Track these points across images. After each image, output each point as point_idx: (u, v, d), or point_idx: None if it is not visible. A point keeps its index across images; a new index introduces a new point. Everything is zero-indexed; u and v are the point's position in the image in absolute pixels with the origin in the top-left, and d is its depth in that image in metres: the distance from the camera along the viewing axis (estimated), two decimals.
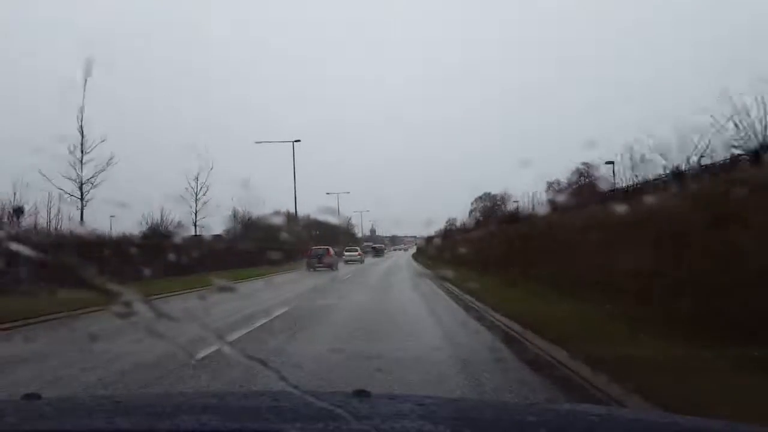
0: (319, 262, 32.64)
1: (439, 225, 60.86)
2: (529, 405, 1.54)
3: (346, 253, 45.97)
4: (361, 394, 1.48)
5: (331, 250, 35.60)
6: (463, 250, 27.52)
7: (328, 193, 58.96)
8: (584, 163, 34.08)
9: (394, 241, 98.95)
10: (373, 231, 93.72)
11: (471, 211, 61.04)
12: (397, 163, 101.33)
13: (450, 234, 48.39)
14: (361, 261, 45.51)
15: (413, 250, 73.09)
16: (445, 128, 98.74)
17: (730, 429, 1.25)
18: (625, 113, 48.35)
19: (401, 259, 53.76)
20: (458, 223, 57.47)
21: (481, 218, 50.85)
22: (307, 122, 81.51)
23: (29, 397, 1.57)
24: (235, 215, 47.06)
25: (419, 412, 1.36)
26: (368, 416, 1.29)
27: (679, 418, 1.22)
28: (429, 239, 57.70)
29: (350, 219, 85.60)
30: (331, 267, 32.75)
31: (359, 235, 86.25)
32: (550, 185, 42.07)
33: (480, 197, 61.15)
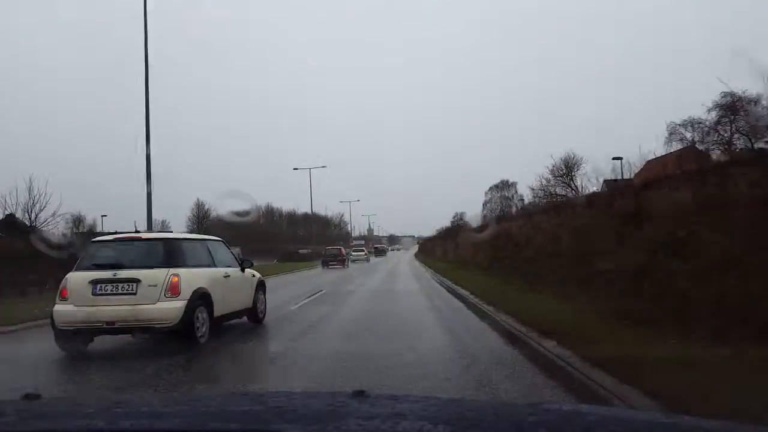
0: (333, 261, 39.43)
1: (443, 223, 59.09)
2: (529, 405, 1.54)
3: (353, 253, 50.70)
4: (361, 394, 1.48)
5: (343, 250, 43.95)
6: (470, 250, 27.26)
7: (295, 169, 51.64)
8: (728, 94, 20.16)
9: (392, 240, 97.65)
10: (370, 231, 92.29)
11: (485, 203, 58.56)
12: (397, 163, 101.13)
13: (455, 233, 47.51)
14: (367, 260, 50.04)
15: (414, 249, 72.22)
16: (445, 125, 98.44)
17: (730, 429, 1.25)
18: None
19: (403, 259, 53.50)
20: (467, 218, 55.84)
21: (501, 212, 48.50)
22: (305, 124, 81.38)
23: (29, 397, 1.58)
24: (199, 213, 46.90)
25: (419, 412, 1.36)
26: (368, 416, 1.29)
27: (679, 417, 1.22)
28: (430, 239, 56.97)
29: (342, 216, 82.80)
30: (343, 264, 39.61)
31: (355, 233, 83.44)
32: (674, 130, 27.20)
33: (496, 186, 58.10)
